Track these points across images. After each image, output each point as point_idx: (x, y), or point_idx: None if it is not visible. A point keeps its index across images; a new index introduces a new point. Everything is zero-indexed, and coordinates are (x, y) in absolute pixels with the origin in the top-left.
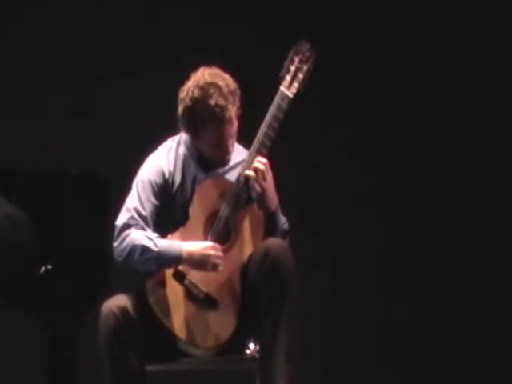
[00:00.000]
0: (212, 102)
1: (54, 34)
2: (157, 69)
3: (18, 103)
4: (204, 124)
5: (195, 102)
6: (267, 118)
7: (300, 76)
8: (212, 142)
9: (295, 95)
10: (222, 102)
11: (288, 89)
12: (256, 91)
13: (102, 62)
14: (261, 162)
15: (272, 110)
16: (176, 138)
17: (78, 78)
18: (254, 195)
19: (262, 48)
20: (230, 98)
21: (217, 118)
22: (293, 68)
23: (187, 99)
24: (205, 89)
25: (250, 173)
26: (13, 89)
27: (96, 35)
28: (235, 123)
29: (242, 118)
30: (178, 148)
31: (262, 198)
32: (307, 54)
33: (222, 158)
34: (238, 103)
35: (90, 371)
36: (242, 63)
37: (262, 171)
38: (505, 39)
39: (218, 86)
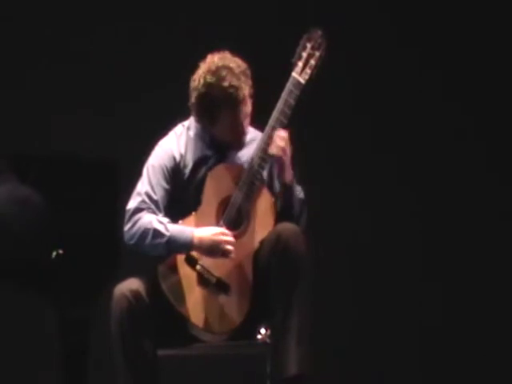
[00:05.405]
0: (226, 84)
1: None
2: (169, 55)
3: (31, 90)
4: (220, 107)
5: (209, 86)
6: (279, 104)
7: (312, 62)
8: (228, 124)
9: (307, 81)
10: (235, 82)
11: (300, 75)
12: (268, 77)
13: (116, 47)
14: (282, 138)
15: (284, 95)
16: (186, 122)
17: (90, 63)
18: (271, 172)
19: (274, 34)
20: (243, 78)
21: (232, 99)
22: (305, 54)
23: (200, 86)
24: (217, 72)
25: (272, 151)
26: (28, 77)
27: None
28: (249, 102)
29: (254, 105)
30: (188, 132)
31: (280, 172)
32: (319, 40)
33: (238, 140)
34: (250, 82)
35: (103, 355)
36: (254, 50)
37: (282, 147)
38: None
39: (229, 68)
